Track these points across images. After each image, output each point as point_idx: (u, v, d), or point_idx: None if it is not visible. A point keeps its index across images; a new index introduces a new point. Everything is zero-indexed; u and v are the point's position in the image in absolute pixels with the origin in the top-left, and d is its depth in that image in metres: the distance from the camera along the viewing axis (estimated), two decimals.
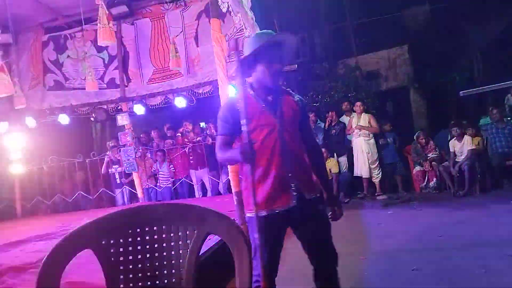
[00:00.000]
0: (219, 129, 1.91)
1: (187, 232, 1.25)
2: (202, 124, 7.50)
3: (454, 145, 6.08)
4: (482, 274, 2.81)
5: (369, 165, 6.51)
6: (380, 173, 6.57)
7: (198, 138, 6.49)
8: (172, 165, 6.65)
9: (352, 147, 6.72)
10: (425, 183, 6.42)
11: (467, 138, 5.97)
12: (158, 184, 6.64)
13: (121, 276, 1.22)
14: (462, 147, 5.97)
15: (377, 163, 6.56)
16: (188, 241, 1.25)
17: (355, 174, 6.65)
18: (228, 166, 3.89)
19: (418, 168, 6.50)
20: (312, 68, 8.92)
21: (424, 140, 6.49)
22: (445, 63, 11.89)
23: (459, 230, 4.04)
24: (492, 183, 5.93)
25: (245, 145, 1.65)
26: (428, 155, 6.44)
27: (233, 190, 3.76)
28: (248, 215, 1.86)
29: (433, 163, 6.32)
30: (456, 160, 5.99)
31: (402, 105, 9.74)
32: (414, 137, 6.71)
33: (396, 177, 6.73)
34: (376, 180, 6.55)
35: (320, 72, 8.81)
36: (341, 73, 9.04)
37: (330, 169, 6.42)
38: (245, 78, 1.95)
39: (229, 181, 3.94)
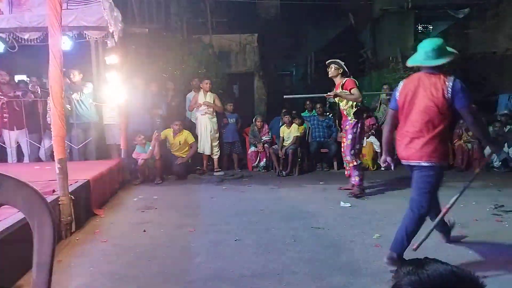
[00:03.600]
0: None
1: None
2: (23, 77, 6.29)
3: (283, 131, 6.85)
4: (292, 243, 3.31)
5: (211, 142, 6.75)
6: (219, 151, 6.90)
7: (17, 93, 5.42)
8: None
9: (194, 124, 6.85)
10: (256, 163, 7.07)
11: (294, 125, 6.81)
12: None
13: None
14: (289, 133, 6.79)
15: (218, 141, 6.86)
16: None
17: (198, 151, 6.79)
18: (52, 130, 3.37)
19: (253, 148, 7.09)
20: (164, 37, 8.54)
21: (260, 123, 7.11)
22: (285, 57, 13.26)
23: (278, 205, 4.62)
24: (308, 166, 6.99)
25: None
26: (262, 137, 7.09)
27: (56, 158, 3.31)
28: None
29: (265, 145, 7.00)
30: (284, 144, 6.79)
31: (247, 89, 10.42)
32: (253, 120, 7.28)
33: (234, 155, 7.20)
34: (215, 157, 6.85)
35: (172, 43, 8.52)
36: (194, 48, 8.96)
37: (180, 142, 6.41)
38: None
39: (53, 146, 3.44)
